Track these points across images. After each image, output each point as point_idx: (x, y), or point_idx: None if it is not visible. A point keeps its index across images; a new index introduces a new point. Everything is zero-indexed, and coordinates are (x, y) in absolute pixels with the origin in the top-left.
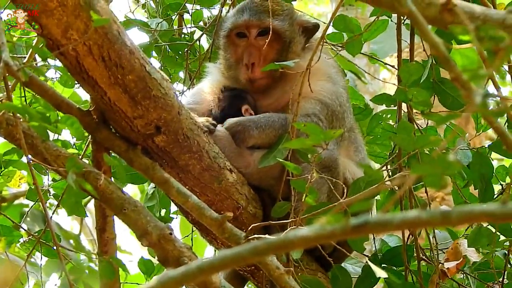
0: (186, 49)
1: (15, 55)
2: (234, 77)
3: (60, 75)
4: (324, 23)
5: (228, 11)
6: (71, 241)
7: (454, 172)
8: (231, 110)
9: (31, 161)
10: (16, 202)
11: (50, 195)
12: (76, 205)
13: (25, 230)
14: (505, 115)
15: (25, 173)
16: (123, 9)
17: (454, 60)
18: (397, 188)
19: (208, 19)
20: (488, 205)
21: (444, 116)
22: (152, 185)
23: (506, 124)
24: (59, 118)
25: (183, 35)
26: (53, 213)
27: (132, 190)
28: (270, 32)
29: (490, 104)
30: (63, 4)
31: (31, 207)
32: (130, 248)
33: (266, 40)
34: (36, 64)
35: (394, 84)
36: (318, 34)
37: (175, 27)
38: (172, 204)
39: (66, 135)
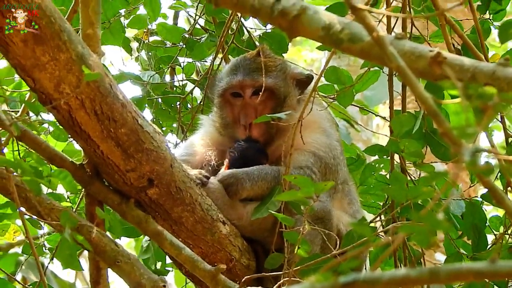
0: (178, 102)
1: (8, 110)
2: (231, 136)
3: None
4: (316, 74)
5: (220, 63)
6: None
7: (443, 230)
8: (252, 162)
9: (24, 214)
10: (12, 251)
11: (45, 249)
12: (70, 259)
13: (19, 282)
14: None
15: (20, 223)
16: (116, 62)
17: (447, 106)
18: (390, 239)
19: (200, 70)
20: (476, 263)
21: (437, 173)
22: (147, 237)
23: (499, 174)
24: (52, 171)
25: (175, 88)
26: (48, 263)
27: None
28: (263, 90)
29: (480, 159)
30: (55, 59)
31: (27, 257)
32: None
33: (261, 95)
34: (29, 118)
35: (386, 135)
36: (312, 84)
37: (167, 77)
38: (167, 257)
39: (59, 187)
